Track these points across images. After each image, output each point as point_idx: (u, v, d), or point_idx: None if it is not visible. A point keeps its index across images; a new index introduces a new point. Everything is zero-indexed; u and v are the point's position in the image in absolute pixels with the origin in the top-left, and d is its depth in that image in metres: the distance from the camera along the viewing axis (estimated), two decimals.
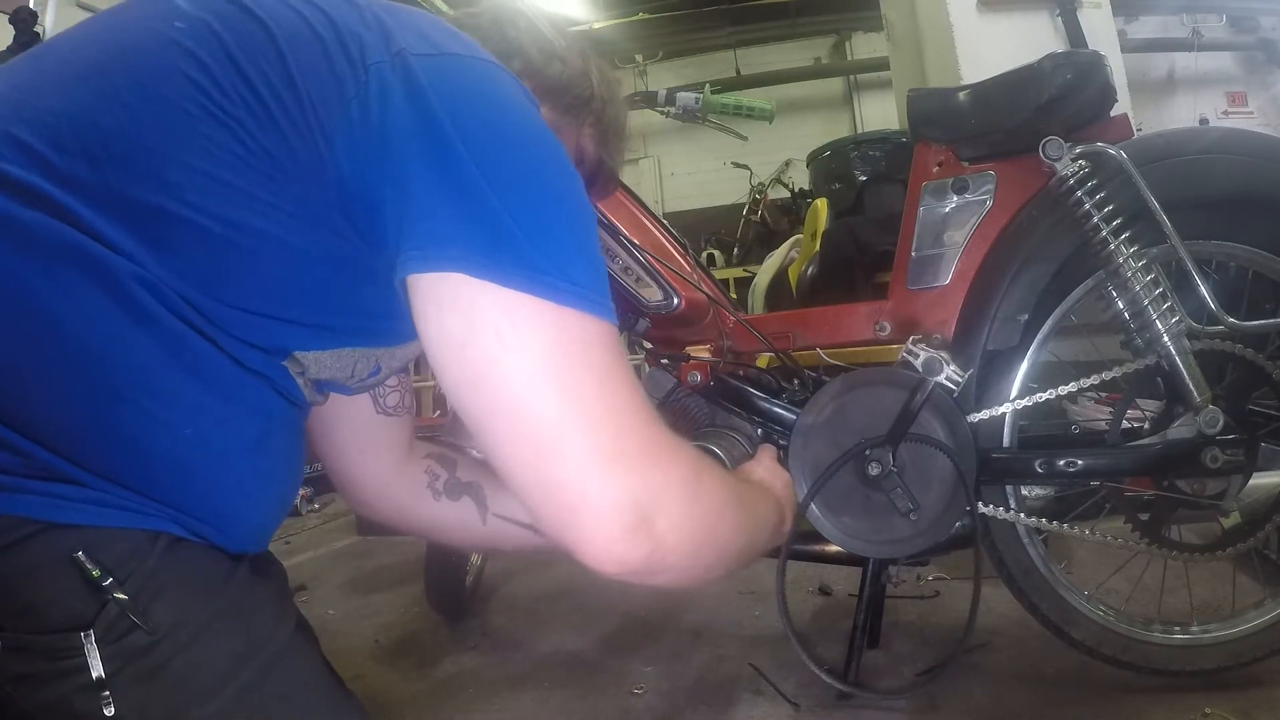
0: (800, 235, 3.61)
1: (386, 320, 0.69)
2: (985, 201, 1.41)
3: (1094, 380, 1.32)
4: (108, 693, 0.54)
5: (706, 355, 1.52)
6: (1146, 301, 1.27)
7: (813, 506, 1.36)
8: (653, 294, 1.49)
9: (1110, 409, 1.43)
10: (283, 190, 0.61)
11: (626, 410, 0.61)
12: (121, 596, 0.54)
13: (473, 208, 0.60)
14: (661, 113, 1.69)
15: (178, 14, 0.64)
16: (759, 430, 1.47)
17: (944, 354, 1.29)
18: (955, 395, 1.31)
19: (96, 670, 0.54)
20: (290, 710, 0.62)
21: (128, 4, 0.68)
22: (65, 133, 0.59)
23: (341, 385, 0.74)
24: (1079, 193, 1.28)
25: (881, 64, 6.72)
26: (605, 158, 1.01)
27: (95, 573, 0.54)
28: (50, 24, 2.62)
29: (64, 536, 0.54)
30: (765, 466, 1.07)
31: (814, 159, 4.20)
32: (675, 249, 1.56)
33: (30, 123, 0.59)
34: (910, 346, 1.30)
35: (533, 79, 0.87)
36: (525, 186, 0.62)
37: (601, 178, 1.04)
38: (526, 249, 0.60)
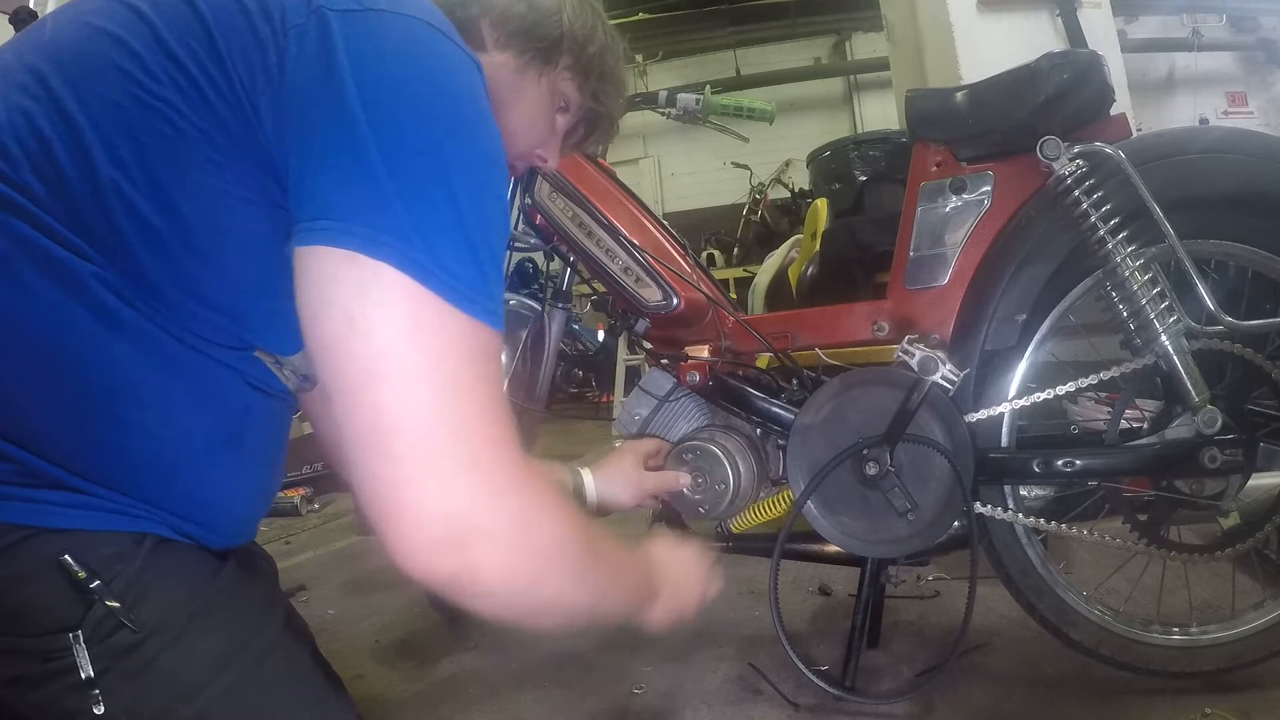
0: (800, 235, 3.61)
1: None
2: (983, 201, 1.41)
3: (1092, 380, 1.31)
4: (97, 691, 0.55)
5: (705, 355, 1.52)
6: (1144, 301, 1.27)
7: (810, 506, 1.36)
8: (652, 294, 1.49)
9: (1109, 409, 1.43)
10: (219, 170, 0.60)
11: (469, 421, 0.55)
12: (114, 604, 0.55)
13: (358, 179, 0.56)
14: (662, 114, 1.70)
15: (112, 6, 0.63)
16: (758, 430, 1.47)
17: (939, 353, 1.29)
18: (952, 394, 1.31)
19: (85, 670, 0.55)
20: (275, 705, 0.63)
21: (71, 2, 0.67)
22: (9, 142, 0.58)
23: None
24: (1076, 192, 1.28)
25: (881, 64, 6.71)
26: (594, 104, 0.93)
27: (81, 574, 0.54)
28: None
29: (51, 541, 0.55)
30: (668, 547, 0.97)
31: (814, 159, 4.19)
32: (675, 249, 1.56)
33: None
34: (905, 346, 1.30)
35: (496, 27, 0.83)
36: (422, 161, 0.58)
37: (598, 126, 0.97)
38: (406, 228, 0.55)
